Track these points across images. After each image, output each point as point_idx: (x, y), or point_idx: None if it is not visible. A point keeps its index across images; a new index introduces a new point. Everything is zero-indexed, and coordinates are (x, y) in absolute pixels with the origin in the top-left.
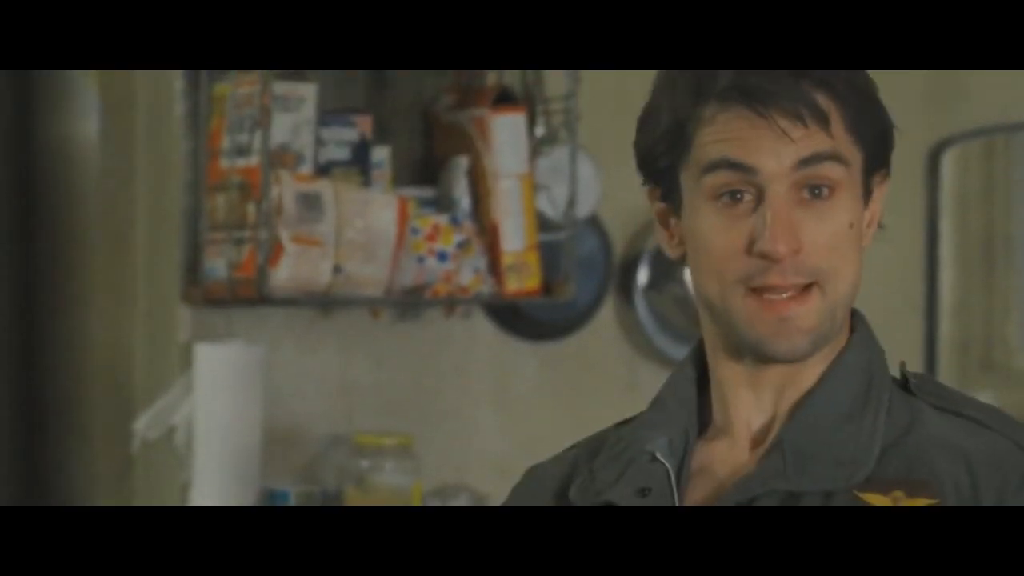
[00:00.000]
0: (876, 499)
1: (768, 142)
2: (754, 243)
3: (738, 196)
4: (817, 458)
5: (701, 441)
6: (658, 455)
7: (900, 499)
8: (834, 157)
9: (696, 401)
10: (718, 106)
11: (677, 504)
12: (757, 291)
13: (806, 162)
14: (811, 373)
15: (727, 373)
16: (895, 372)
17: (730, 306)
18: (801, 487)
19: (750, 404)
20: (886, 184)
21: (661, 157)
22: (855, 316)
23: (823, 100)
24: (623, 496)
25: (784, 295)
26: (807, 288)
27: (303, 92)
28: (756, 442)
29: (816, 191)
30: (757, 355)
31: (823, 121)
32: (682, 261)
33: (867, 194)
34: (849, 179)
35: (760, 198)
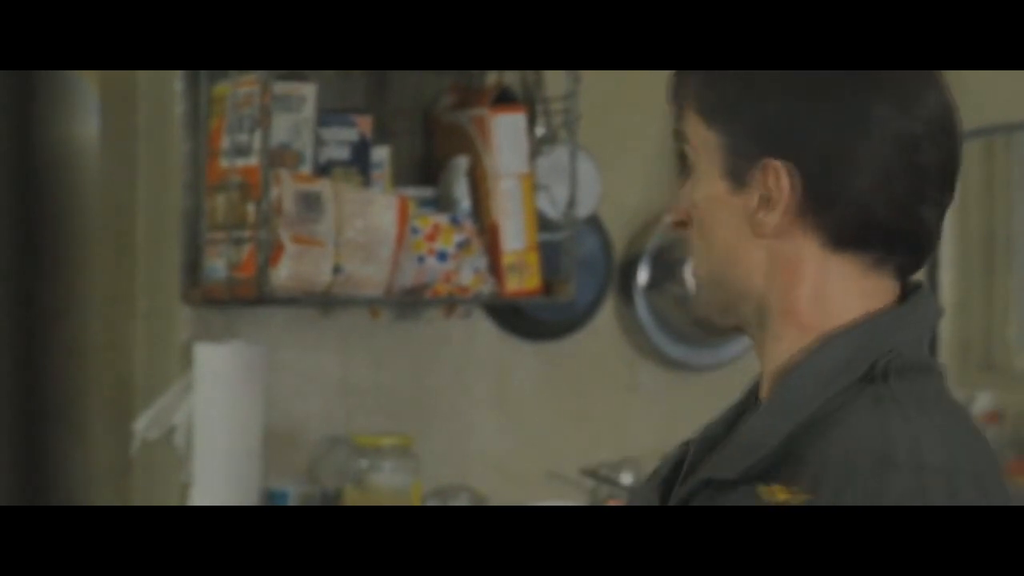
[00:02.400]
0: (765, 491)
1: None
2: None
3: None
4: (738, 446)
5: None
6: (691, 441)
7: (776, 492)
8: (679, 135)
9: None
10: None
11: (676, 487)
12: None
13: (674, 137)
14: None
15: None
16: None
17: None
18: (712, 474)
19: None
20: (778, 170)
21: None
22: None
23: (685, 83)
24: (641, 481)
25: None
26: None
27: (303, 92)
28: None
29: (687, 167)
30: None
31: (676, 102)
32: None
33: (737, 179)
34: (701, 158)
35: None
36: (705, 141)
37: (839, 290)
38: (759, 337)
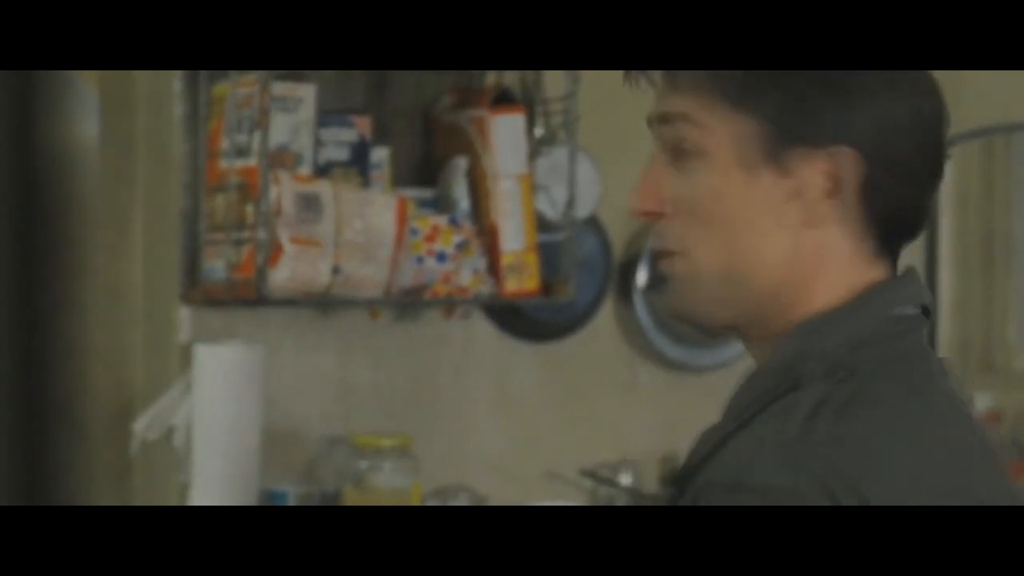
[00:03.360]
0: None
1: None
2: None
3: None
4: (693, 455)
5: None
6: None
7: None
8: (682, 117)
9: None
10: None
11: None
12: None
13: (661, 120)
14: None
15: None
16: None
17: None
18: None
19: None
20: (821, 160)
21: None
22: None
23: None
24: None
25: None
26: (675, 255)
27: (302, 93)
28: None
29: (680, 152)
30: None
31: (669, 80)
32: None
33: (778, 163)
34: (716, 144)
35: None
36: (724, 124)
37: (849, 279)
38: (754, 333)
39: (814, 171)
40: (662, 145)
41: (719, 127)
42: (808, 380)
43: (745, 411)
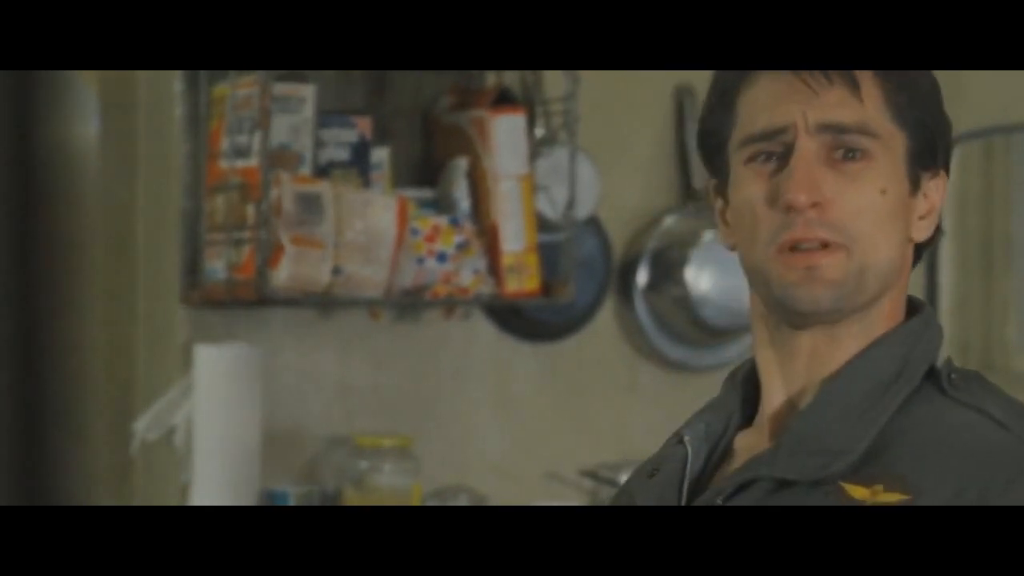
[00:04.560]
0: (857, 491)
1: (796, 100)
2: (779, 197)
3: (771, 157)
4: (811, 448)
5: (746, 428)
6: (685, 439)
7: (878, 492)
8: (861, 130)
9: (744, 388)
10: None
11: (685, 485)
12: (787, 246)
13: (832, 128)
14: (840, 359)
15: (763, 356)
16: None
17: (767, 267)
18: (786, 475)
19: (778, 390)
20: (938, 182)
21: (712, 134)
22: (914, 307)
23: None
24: (637, 478)
25: (813, 246)
26: (836, 246)
27: (302, 93)
28: (776, 430)
29: (850, 154)
30: (785, 311)
31: (851, 84)
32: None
33: (914, 182)
34: (885, 152)
35: (790, 154)
36: (891, 136)
37: (905, 285)
38: (832, 332)
39: (930, 191)
40: (823, 145)
41: (887, 138)
42: (964, 378)
43: (879, 405)
